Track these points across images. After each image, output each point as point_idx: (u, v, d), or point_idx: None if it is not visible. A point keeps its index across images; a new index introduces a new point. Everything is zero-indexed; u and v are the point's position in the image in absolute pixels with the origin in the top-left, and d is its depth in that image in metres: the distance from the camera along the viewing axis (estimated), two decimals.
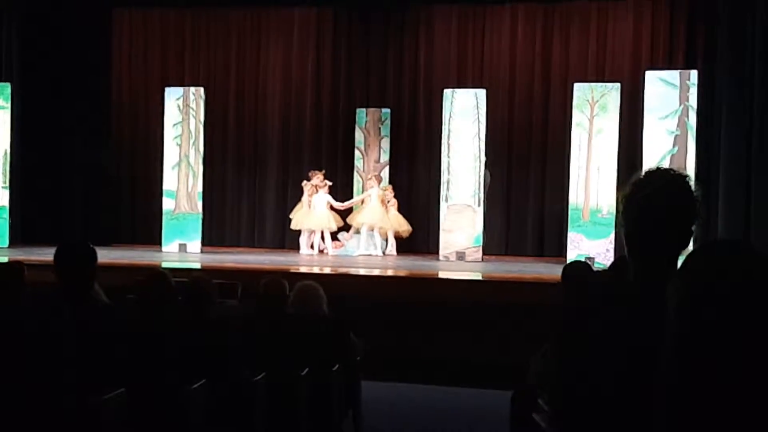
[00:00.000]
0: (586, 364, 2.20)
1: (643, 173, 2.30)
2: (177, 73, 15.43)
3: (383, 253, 13.29)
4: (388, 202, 13.39)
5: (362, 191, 13.90)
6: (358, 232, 13.52)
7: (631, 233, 2.25)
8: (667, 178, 2.25)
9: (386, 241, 13.49)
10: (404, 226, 13.57)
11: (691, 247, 2.28)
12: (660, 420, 1.71)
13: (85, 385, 3.50)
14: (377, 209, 13.22)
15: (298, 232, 13.69)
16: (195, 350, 4.27)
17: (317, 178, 13.49)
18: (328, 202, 13.37)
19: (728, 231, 11.51)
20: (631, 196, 2.25)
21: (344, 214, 13.63)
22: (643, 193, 2.24)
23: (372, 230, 13.29)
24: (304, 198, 13.49)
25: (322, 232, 13.47)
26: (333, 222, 13.38)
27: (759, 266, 1.69)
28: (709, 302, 1.65)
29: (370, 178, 13.61)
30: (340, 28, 15.03)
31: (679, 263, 1.89)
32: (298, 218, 13.54)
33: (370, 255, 13.12)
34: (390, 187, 13.62)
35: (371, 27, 14.89)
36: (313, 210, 13.33)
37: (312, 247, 13.55)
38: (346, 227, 13.70)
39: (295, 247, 13.77)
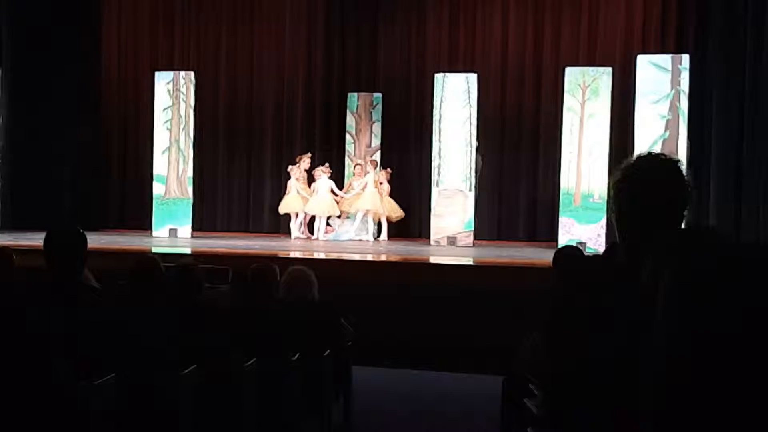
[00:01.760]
0: (576, 349, 2.19)
1: (634, 158, 2.29)
2: (167, 57, 15.36)
3: (374, 238, 13.28)
4: (381, 184, 13.36)
5: (353, 175, 13.81)
6: (349, 217, 13.50)
7: (622, 218, 2.25)
8: (659, 163, 2.24)
9: (377, 226, 13.47)
10: (397, 212, 13.54)
11: None
12: (648, 403, 1.72)
13: (75, 370, 3.48)
14: (374, 195, 13.17)
15: (289, 217, 13.68)
16: (185, 336, 4.26)
17: (305, 162, 13.48)
18: (331, 188, 13.31)
19: (720, 215, 11.54)
20: (622, 181, 2.24)
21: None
22: (634, 178, 2.23)
23: (366, 215, 13.26)
24: (291, 182, 13.44)
25: (325, 217, 13.41)
26: (336, 208, 13.34)
27: (736, 254, 1.69)
28: (690, 296, 1.65)
29: (365, 163, 13.54)
30: (332, 11, 14.97)
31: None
32: (289, 202, 13.49)
33: (361, 240, 13.11)
34: (387, 170, 13.57)
35: (363, 11, 14.83)
36: (315, 195, 13.27)
37: (310, 231, 13.53)
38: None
39: (287, 231, 13.75)
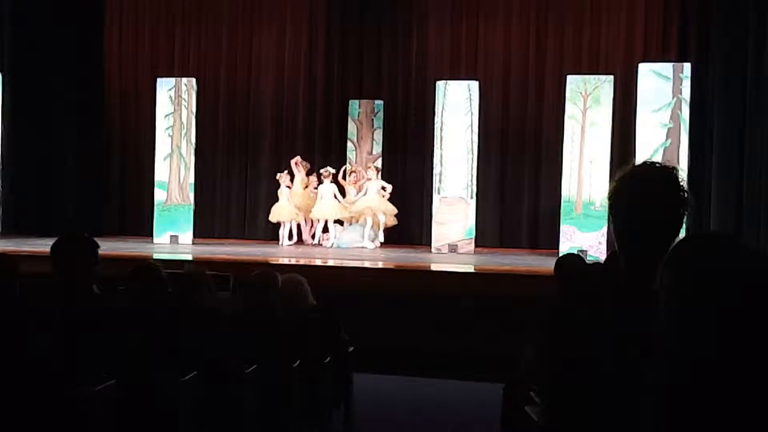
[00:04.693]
0: (577, 357, 2.19)
1: (631, 167, 2.28)
2: (168, 63, 15.37)
3: (376, 244, 13.24)
4: (384, 189, 13.34)
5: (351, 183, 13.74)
6: (350, 223, 13.48)
7: (621, 227, 2.24)
8: (656, 172, 2.24)
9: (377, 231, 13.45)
10: (393, 219, 13.50)
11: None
12: (648, 411, 1.71)
13: (76, 376, 3.48)
14: (375, 200, 13.12)
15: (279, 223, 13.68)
16: (186, 342, 4.25)
17: (304, 167, 13.48)
18: (334, 193, 13.27)
19: (721, 222, 11.53)
20: (619, 191, 2.24)
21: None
22: (631, 188, 2.23)
23: (366, 222, 13.20)
24: (282, 190, 13.40)
25: (326, 222, 13.39)
26: (339, 212, 13.31)
27: (743, 257, 1.69)
28: (697, 295, 1.65)
29: (365, 169, 13.50)
30: (333, 18, 14.98)
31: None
32: (280, 211, 13.45)
33: (363, 247, 13.07)
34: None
35: (365, 17, 14.84)
36: (320, 200, 13.24)
37: (314, 237, 13.52)
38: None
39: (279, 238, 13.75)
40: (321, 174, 13.31)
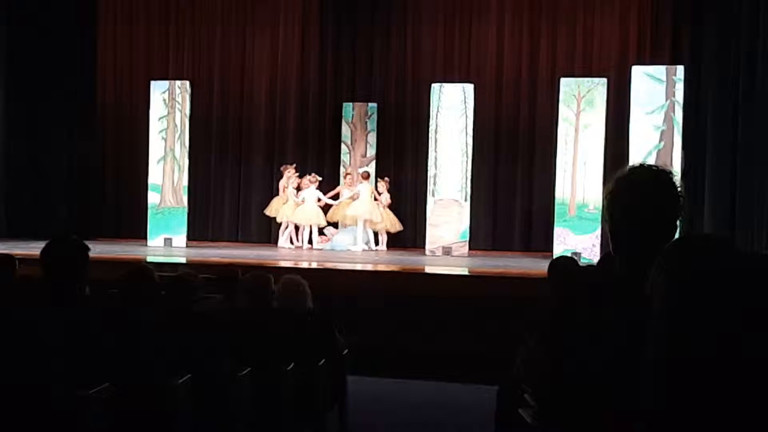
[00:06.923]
0: (572, 359, 2.19)
1: (627, 169, 2.29)
2: (162, 66, 15.35)
3: (370, 247, 13.24)
4: (380, 194, 13.33)
5: (344, 184, 13.77)
6: (345, 226, 13.49)
7: (616, 229, 2.25)
8: (650, 175, 2.25)
9: (375, 236, 13.44)
10: (396, 226, 13.49)
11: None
12: (645, 411, 1.72)
13: (71, 379, 3.47)
14: (367, 204, 13.12)
15: (277, 222, 13.67)
16: (180, 345, 4.25)
17: (289, 172, 13.47)
18: (318, 198, 13.30)
19: (714, 225, 11.55)
20: (615, 193, 2.25)
21: (325, 209, 13.53)
22: (627, 190, 2.24)
23: (362, 224, 13.20)
24: (288, 190, 13.43)
25: (311, 227, 13.40)
26: (322, 218, 13.33)
27: (737, 258, 1.70)
28: (690, 295, 1.65)
29: (355, 174, 13.51)
30: (327, 20, 14.97)
31: None
32: (281, 210, 13.46)
33: (354, 250, 13.06)
34: (386, 180, 13.54)
35: (358, 20, 14.84)
36: (303, 205, 13.25)
37: (298, 241, 13.50)
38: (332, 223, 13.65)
39: (276, 239, 13.72)
40: (307, 179, 13.32)
